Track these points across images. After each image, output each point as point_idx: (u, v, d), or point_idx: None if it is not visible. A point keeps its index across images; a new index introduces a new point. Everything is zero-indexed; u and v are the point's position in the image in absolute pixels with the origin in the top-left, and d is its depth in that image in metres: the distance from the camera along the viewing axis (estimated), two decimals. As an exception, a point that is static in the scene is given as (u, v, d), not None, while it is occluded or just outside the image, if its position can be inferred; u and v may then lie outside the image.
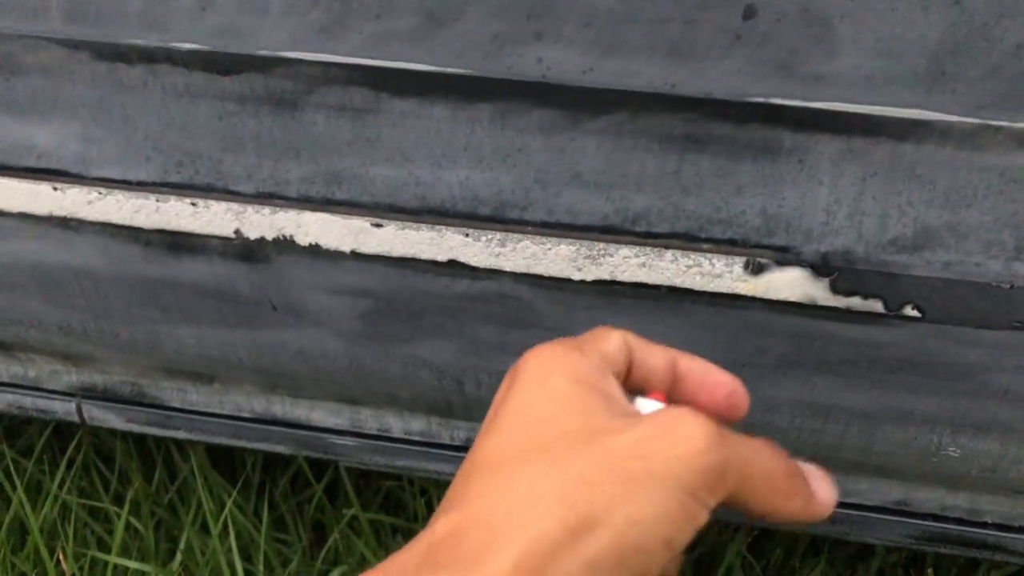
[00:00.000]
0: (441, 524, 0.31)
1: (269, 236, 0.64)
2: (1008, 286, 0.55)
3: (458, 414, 0.74)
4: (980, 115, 0.51)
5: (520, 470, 0.32)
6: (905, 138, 0.53)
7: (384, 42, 0.56)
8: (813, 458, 0.68)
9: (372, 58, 0.57)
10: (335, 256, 0.64)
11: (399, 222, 0.61)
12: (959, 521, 0.71)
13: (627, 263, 0.60)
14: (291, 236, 0.63)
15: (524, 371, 0.36)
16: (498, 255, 0.61)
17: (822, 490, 0.38)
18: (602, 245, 0.60)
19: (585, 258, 0.60)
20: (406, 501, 0.99)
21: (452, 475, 0.79)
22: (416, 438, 0.78)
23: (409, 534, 0.96)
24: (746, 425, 0.66)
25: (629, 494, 0.30)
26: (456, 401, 0.71)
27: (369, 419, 0.78)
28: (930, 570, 0.88)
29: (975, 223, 0.54)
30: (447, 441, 0.77)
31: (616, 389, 0.37)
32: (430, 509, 0.97)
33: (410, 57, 0.56)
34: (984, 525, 0.70)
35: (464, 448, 0.77)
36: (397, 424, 0.78)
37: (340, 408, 0.78)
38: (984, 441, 0.62)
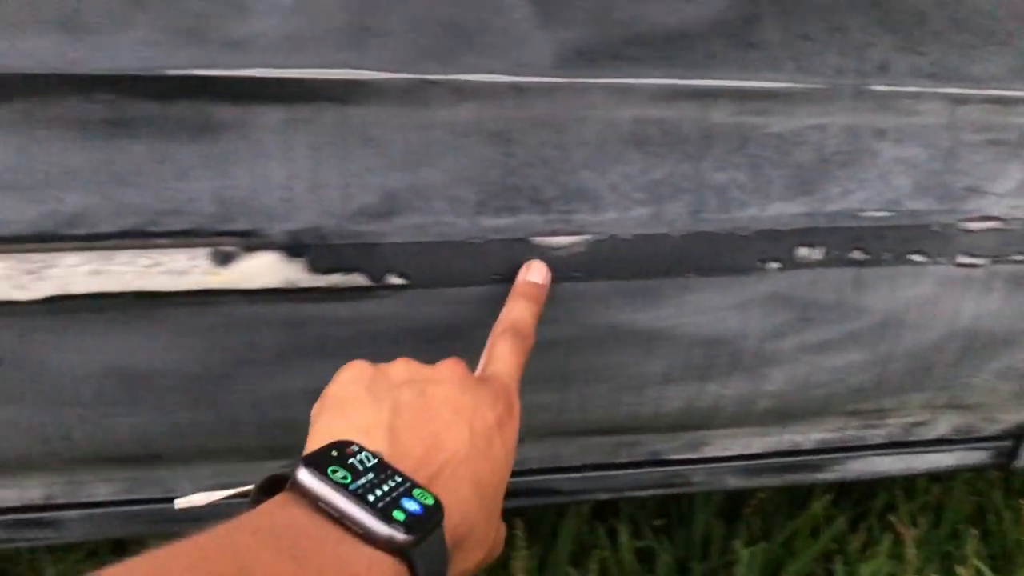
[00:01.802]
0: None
1: None
2: (479, 241, 0.55)
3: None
4: (413, 69, 0.50)
5: None
6: (348, 101, 0.50)
7: None
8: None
9: None
10: None
11: None
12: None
13: (75, 272, 0.52)
14: None
15: None
16: (-91, 286, 0.50)
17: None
18: (41, 256, 0.51)
19: (25, 274, 0.51)
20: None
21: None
22: None
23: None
24: (263, 424, 0.61)
25: None
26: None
27: None
28: (518, 519, 0.91)
29: (436, 181, 0.53)
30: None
31: None
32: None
33: None
34: (531, 472, 0.72)
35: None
36: None
37: None
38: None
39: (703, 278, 0.59)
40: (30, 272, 0.51)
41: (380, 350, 0.58)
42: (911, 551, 0.94)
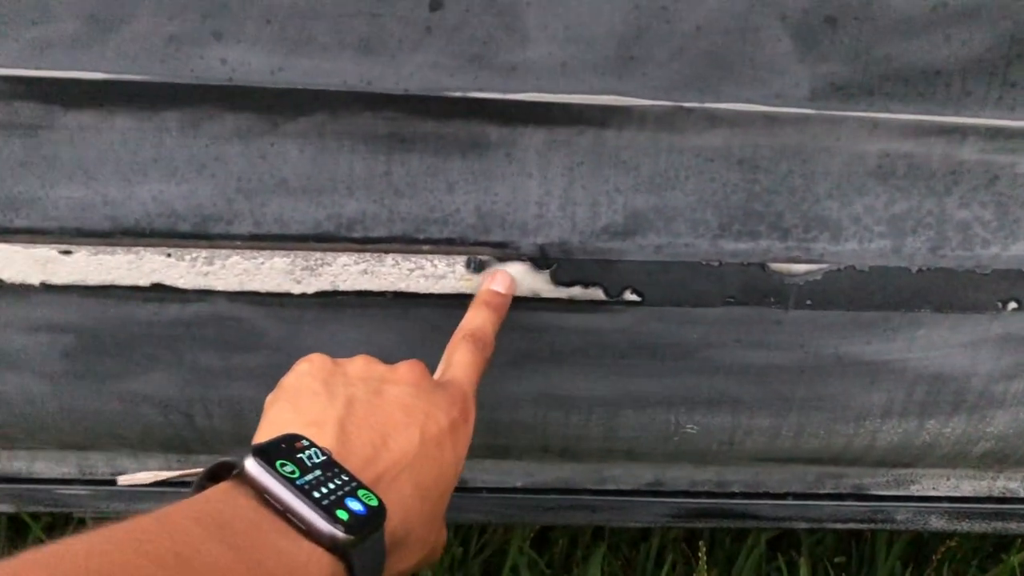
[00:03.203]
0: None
1: (-59, 274, 0.56)
2: (717, 263, 0.57)
3: (196, 449, 0.68)
4: (672, 97, 0.52)
5: None
6: (605, 125, 0.53)
7: (46, 50, 0.50)
8: (563, 450, 0.68)
9: (35, 68, 0.51)
10: (23, 290, 0.57)
11: (91, 247, 0.56)
12: (709, 494, 0.73)
13: (347, 271, 0.57)
14: (-32, 272, 0.56)
15: None
16: (207, 274, 0.56)
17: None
18: (319, 255, 0.56)
19: (303, 270, 0.57)
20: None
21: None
22: (156, 479, 0.72)
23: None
24: (490, 423, 0.65)
25: None
26: (190, 436, 0.66)
27: (100, 464, 0.71)
28: (701, 542, 0.91)
29: (680, 204, 0.55)
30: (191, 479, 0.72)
31: None
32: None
33: (79, 65, 0.51)
34: (732, 495, 0.73)
35: (210, 483, 0.72)
36: (132, 466, 0.71)
37: (65, 456, 0.71)
38: (717, 415, 0.64)
39: (937, 314, 0.58)
40: (307, 268, 0.57)
41: (606, 362, 0.61)
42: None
